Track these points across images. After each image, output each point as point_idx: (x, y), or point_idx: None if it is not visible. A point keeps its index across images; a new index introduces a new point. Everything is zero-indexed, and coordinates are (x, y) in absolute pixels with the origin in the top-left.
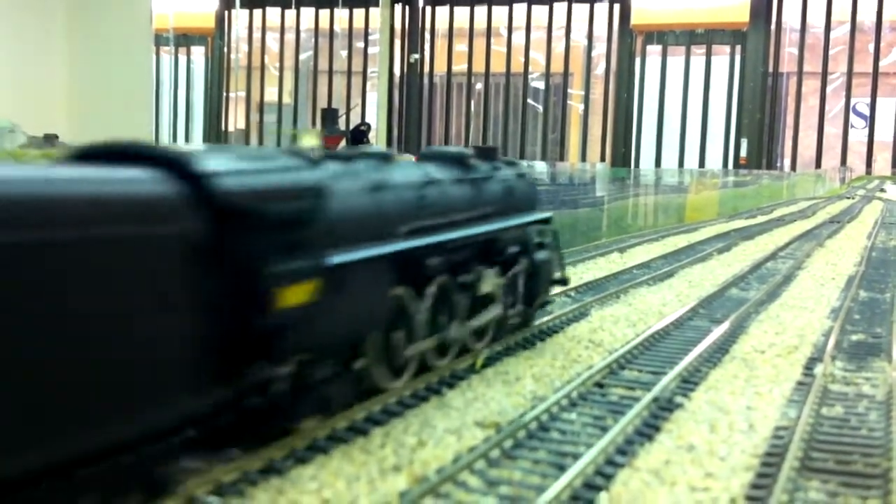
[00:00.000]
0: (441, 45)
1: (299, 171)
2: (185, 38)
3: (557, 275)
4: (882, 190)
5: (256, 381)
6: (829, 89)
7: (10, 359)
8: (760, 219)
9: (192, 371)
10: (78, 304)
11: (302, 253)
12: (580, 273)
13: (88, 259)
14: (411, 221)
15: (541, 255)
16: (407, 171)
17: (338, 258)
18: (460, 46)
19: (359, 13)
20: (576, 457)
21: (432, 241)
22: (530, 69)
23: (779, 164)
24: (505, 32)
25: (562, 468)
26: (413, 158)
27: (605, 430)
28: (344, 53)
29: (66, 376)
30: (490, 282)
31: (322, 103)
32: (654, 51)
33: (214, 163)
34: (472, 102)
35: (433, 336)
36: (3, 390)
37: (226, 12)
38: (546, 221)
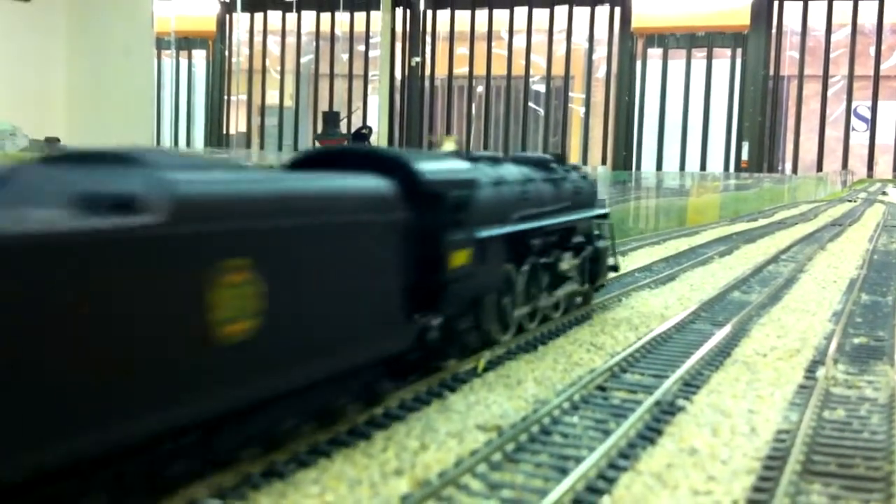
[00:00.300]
0: (442, 48)
1: (461, 167)
2: (186, 42)
3: (611, 261)
4: (884, 193)
5: (425, 326)
6: (830, 92)
7: (317, 306)
8: (762, 222)
9: (397, 317)
10: (341, 267)
11: (463, 228)
12: None
13: (352, 237)
14: (519, 210)
15: (601, 243)
16: (512, 170)
17: (480, 234)
18: (461, 50)
19: (360, 17)
20: (578, 460)
21: (532, 226)
22: (531, 72)
23: (780, 168)
24: (506, 36)
25: (564, 472)
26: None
27: (607, 433)
28: (345, 57)
29: (340, 318)
30: (566, 263)
31: (323, 106)
32: (654, 54)
33: (416, 162)
34: (474, 105)
35: (528, 303)
36: (320, 324)
37: (227, 16)
38: (604, 217)
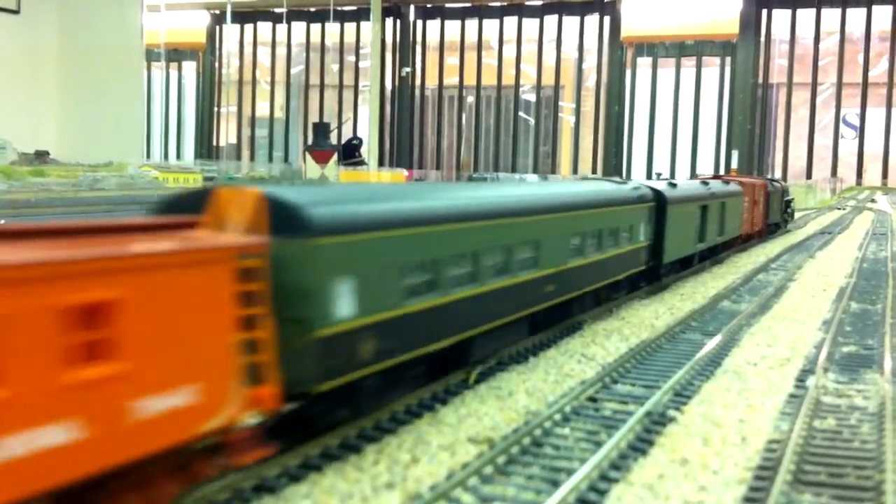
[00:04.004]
0: (432, 58)
1: (784, 184)
2: (176, 54)
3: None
4: (872, 200)
5: (782, 217)
6: (818, 100)
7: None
8: None
9: (778, 216)
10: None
11: (784, 196)
12: None
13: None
14: (785, 194)
15: (792, 206)
16: (781, 183)
17: (785, 198)
18: (451, 60)
19: (350, 27)
20: (569, 472)
21: (786, 199)
22: (521, 82)
23: (769, 176)
24: (496, 45)
25: (556, 484)
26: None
27: (598, 444)
28: (335, 67)
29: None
30: (787, 209)
31: (314, 117)
32: (644, 63)
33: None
34: (464, 115)
35: (779, 218)
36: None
37: (217, 27)
38: (792, 199)
